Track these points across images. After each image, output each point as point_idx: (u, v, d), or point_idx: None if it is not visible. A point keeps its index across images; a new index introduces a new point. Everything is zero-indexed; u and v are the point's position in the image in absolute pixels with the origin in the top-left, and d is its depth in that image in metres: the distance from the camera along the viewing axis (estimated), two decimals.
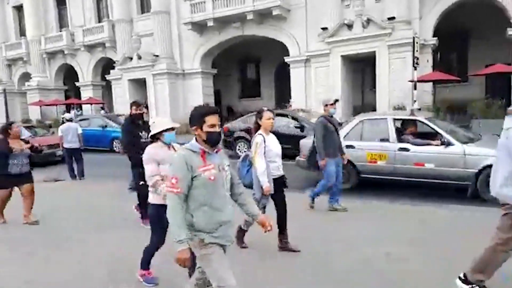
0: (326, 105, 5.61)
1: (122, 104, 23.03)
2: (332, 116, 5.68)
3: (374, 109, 15.66)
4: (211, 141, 2.38)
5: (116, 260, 4.17)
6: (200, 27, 20.77)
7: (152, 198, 3.39)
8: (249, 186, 3.99)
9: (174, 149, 3.42)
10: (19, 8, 28.98)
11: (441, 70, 16.66)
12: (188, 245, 2.30)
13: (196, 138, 2.41)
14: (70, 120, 9.89)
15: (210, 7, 19.67)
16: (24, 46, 28.05)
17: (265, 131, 4.05)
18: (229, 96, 26.50)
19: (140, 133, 5.33)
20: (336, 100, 5.86)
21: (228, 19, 19.80)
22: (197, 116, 2.38)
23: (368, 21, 15.59)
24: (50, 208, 6.42)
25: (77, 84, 27.50)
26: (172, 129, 3.44)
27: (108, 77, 24.45)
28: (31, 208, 5.78)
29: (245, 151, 5.81)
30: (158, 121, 3.47)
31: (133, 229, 5.07)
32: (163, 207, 3.00)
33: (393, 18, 15.25)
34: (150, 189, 3.37)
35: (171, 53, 22.21)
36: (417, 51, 14.52)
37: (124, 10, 23.36)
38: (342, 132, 6.77)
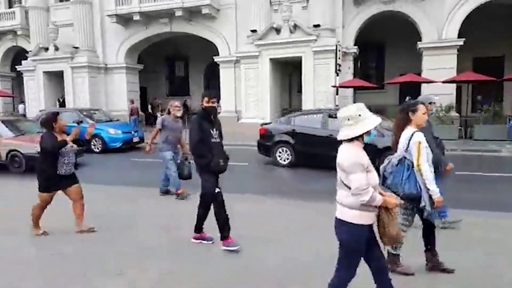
0: (430, 103, 4.38)
1: (35, 99, 21.09)
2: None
3: None
4: None
5: None
6: (125, 20, 19.66)
7: (356, 217, 2.45)
8: (411, 196, 3.26)
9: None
10: None
11: (361, 77, 17.78)
12: None
13: None
14: None
15: (136, 0, 18.72)
16: None
17: (418, 128, 3.36)
18: (156, 93, 25.48)
19: (211, 131, 4.22)
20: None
21: (156, 14, 19.02)
22: None
23: (295, 26, 16.00)
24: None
25: None
26: None
27: (19, 68, 22.09)
28: (83, 213, 4.86)
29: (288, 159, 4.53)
30: (365, 114, 2.43)
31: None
32: (370, 228, 2.52)
33: (318, 25, 15.83)
34: (356, 204, 2.43)
35: (93, 45, 20.73)
36: (339, 58, 15.32)
37: None
38: None
